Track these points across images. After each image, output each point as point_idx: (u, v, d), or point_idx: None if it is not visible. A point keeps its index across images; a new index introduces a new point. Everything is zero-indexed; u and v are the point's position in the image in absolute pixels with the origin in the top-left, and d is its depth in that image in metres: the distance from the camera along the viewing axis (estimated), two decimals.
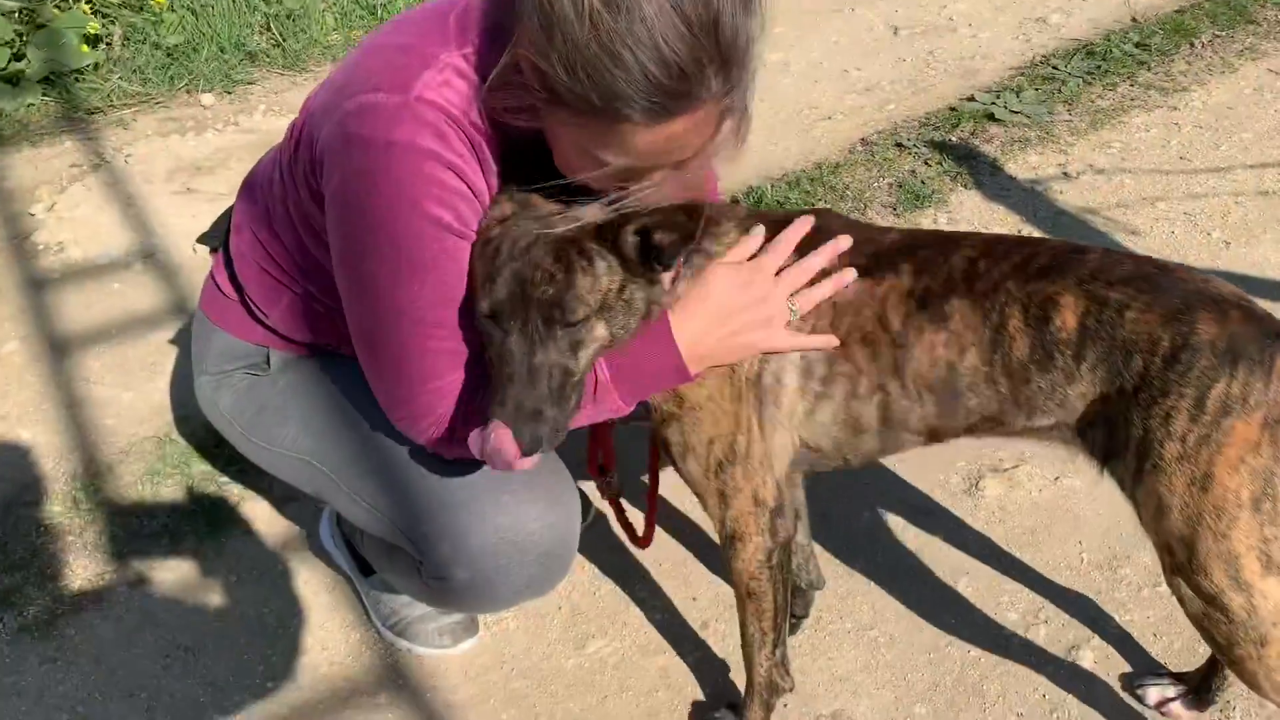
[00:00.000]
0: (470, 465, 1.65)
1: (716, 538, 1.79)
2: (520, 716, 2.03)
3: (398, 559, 1.83)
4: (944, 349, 1.63)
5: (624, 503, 2.12)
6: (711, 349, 1.61)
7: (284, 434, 1.84)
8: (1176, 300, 1.53)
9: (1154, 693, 2.02)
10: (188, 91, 4.43)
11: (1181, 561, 1.56)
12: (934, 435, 1.74)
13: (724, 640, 2.17)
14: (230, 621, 2.22)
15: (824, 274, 1.65)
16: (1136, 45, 4.67)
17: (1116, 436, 1.58)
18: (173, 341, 3.03)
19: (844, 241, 1.66)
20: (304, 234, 1.69)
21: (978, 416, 1.68)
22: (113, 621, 2.22)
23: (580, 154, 1.39)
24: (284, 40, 4.73)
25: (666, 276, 1.58)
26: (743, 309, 1.60)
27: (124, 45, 4.48)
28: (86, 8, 4.42)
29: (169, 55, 4.50)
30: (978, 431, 1.72)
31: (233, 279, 1.87)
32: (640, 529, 2.10)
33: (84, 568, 2.33)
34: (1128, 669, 2.09)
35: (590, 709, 2.05)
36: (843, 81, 4.60)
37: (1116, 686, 2.06)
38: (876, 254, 1.67)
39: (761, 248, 1.65)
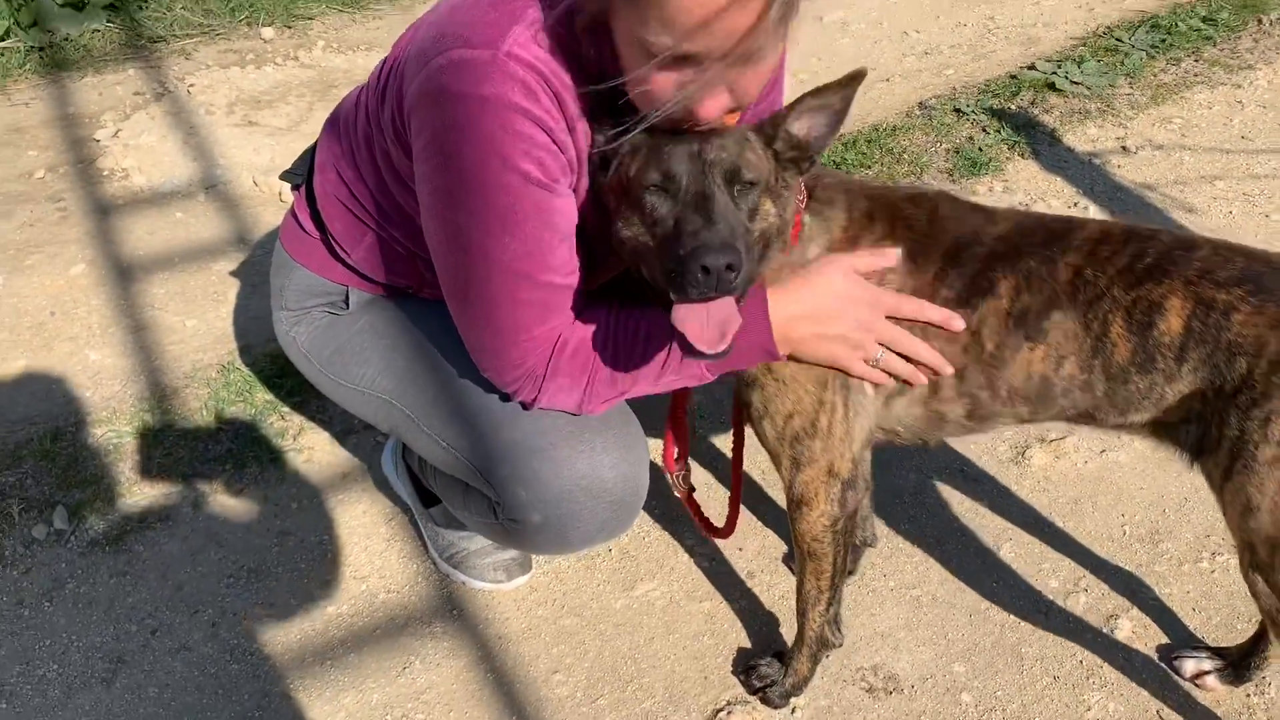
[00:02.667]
0: (549, 413, 1.70)
1: (772, 491, 1.83)
2: (569, 652, 2.10)
3: (473, 499, 1.88)
4: (1040, 364, 1.64)
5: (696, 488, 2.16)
6: (801, 339, 1.64)
7: (363, 373, 1.90)
8: None
9: (1190, 665, 2.06)
10: (248, 24, 4.47)
11: (1264, 560, 1.58)
12: (1024, 423, 1.76)
13: (769, 590, 2.22)
14: (291, 546, 2.30)
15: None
16: (1203, 20, 4.60)
17: (1210, 434, 1.58)
18: (234, 273, 3.09)
19: (958, 323, 1.65)
20: (388, 177, 1.72)
21: (1071, 413, 1.70)
22: (179, 540, 2.30)
23: (638, 49, 1.39)
24: None
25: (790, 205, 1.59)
26: (843, 323, 1.63)
27: None
28: None
29: None
30: (1066, 421, 1.74)
31: (314, 217, 1.91)
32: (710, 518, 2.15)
33: (151, 487, 2.41)
34: (1165, 641, 2.13)
35: (637, 648, 2.11)
36: (902, 43, 4.57)
37: (1154, 656, 2.10)
38: (977, 269, 1.65)
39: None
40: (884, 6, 4.89)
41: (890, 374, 1.69)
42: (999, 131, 3.81)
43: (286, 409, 2.60)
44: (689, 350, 1.43)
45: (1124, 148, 3.78)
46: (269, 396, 2.62)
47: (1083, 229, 1.67)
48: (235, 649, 2.09)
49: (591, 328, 1.62)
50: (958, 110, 3.94)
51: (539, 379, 1.62)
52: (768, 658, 2.04)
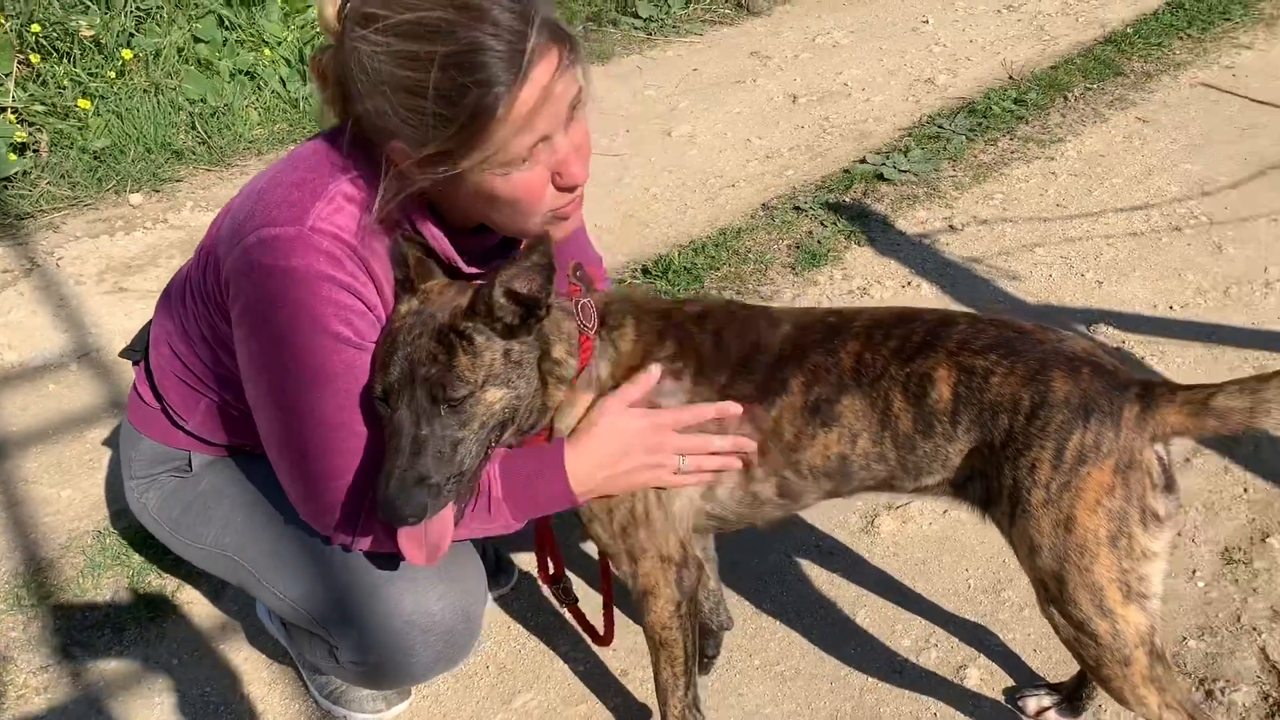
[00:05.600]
0: (376, 555, 1.81)
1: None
2: None
3: (317, 645, 1.98)
4: (837, 445, 1.81)
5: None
6: (600, 484, 1.78)
7: (207, 532, 2.00)
8: (1034, 362, 1.71)
9: (1032, 703, 2.21)
10: (116, 192, 4.58)
11: (1054, 594, 1.75)
12: (832, 496, 1.92)
13: (642, 685, 2.32)
14: (174, 702, 2.33)
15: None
16: (1015, 101, 5.02)
17: (992, 487, 1.76)
18: (108, 440, 3.15)
19: (734, 409, 1.80)
20: (217, 348, 1.85)
21: (871, 484, 1.87)
22: (59, 713, 2.31)
23: (503, 167, 1.55)
24: (209, 138, 4.91)
25: (560, 339, 1.74)
26: (634, 457, 1.77)
27: (51, 151, 4.63)
28: (13, 117, 4.57)
29: (96, 158, 4.65)
30: (871, 491, 1.91)
31: (154, 389, 2.03)
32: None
33: (28, 661, 2.42)
34: (1010, 683, 2.28)
35: None
36: (745, 150, 4.88)
37: (1001, 699, 2.25)
38: (767, 372, 1.81)
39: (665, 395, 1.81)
40: (727, 119, 5.22)
41: (706, 469, 1.84)
42: (835, 224, 4.09)
43: (163, 568, 2.65)
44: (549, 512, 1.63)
45: (951, 226, 4.08)
46: (143, 559, 2.67)
47: (856, 319, 1.85)
48: None
49: None
50: (797, 208, 4.22)
51: (353, 527, 1.73)
52: None
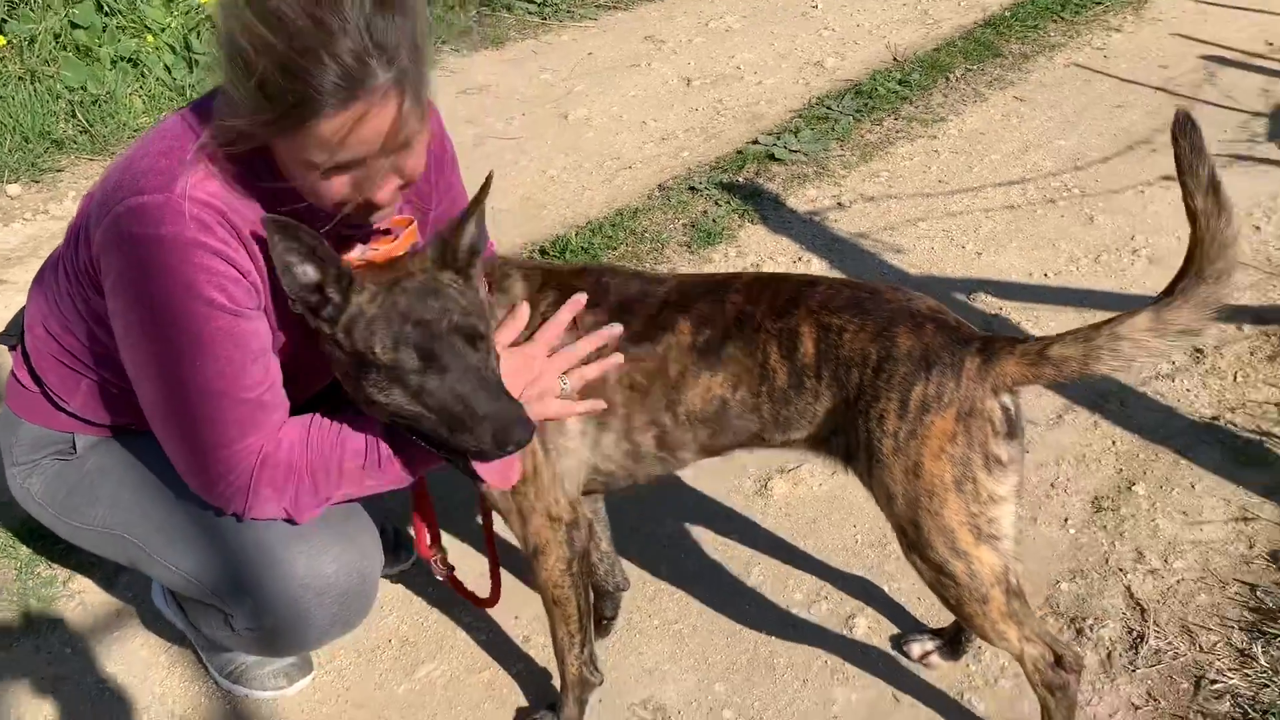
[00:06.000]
0: (265, 522, 1.81)
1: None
2: None
3: (212, 615, 1.98)
4: (720, 388, 1.88)
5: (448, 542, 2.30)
6: None
7: (94, 513, 1.98)
8: (882, 319, 1.81)
9: (916, 648, 2.32)
10: None
11: (913, 539, 1.85)
12: (707, 453, 2.00)
13: (543, 650, 2.37)
14: (67, 690, 2.29)
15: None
16: (899, 83, 5.18)
17: (851, 441, 1.86)
18: None
19: (616, 329, 1.87)
20: (93, 325, 1.84)
21: (744, 437, 1.94)
22: None
23: (304, 167, 1.57)
24: (91, 126, 4.77)
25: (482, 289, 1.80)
26: (518, 394, 1.81)
27: None
28: None
29: None
30: (740, 447, 1.99)
31: (32, 373, 1.99)
32: (477, 590, 2.27)
33: None
34: (896, 630, 2.39)
35: None
36: (641, 132, 4.94)
37: (887, 647, 2.36)
38: (654, 313, 1.89)
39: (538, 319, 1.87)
40: (623, 101, 5.27)
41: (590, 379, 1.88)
42: (729, 203, 4.18)
43: (51, 558, 2.60)
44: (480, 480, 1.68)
45: (839, 204, 4.21)
46: (32, 550, 2.62)
47: (739, 278, 1.94)
48: None
49: (293, 440, 1.75)
50: (692, 188, 4.30)
51: (244, 492, 1.74)
52: (541, 710, 2.18)
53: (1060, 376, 1.76)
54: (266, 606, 1.82)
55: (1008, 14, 6.01)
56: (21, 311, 2.06)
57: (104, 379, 1.90)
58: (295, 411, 1.81)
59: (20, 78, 4.79)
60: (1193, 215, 1.67)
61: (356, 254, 1.75)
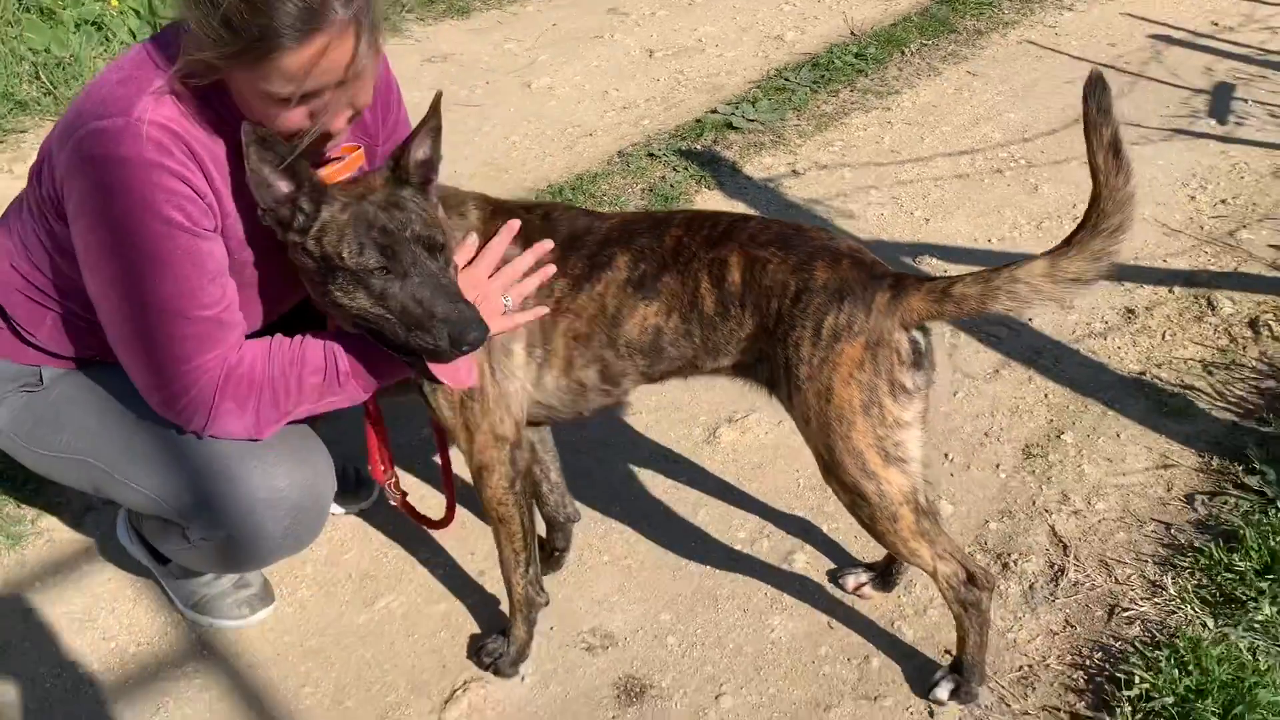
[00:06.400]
0: (223, 441, 1.91)
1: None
2: (316, 668, 2.29)
3: (171, 532, 2.07)
4: (654, 318, 1.99)
5: (404, 477, 2.40)
6: None
7: (59, 439, 2.06)
8: (803, 254, 1.93)
9: (851, 580, 2.45)
10: None
11: (828, 462, 1.97)
12: (647, 380, 2.11)
13: (497, 585, 2.47)
14: (35, 621, 2.38)
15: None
16: (855, 56, 5.29)
17: (774, 368, 1.98)
18: None
19: (547, 244, 1.99)
20: (58, 257, 1.92)
21: (679, 363, 2.06)
22: None
23: (263, 99, 1.68)
24: (55, 88, 4.79)
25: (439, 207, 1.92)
26: None
27: None
28: None
29: None
30: (675, 375, 2.10)
31: None
32: (429, 514, 2.38)
33: None
34: (832, 566, 2.52)
35: (380, 654, 2.32)
36: (603, 101, 5.03)
37: (824, 581, 2.49)
38: (596, 248, 2.01)
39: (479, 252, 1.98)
40: (586, 71, 5.35)
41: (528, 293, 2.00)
42: (687, 169, 4.28)
43: (20, 499, 2.67)
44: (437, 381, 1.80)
45: (794, 171, 4.32)
46: (1, 491, 2.69)
47: (680, 214, 2.07)
48: None
49: (253, 357, 1.86)
50: (651, 154, 4.40)
51: (205, 408, 1.83)
52: (493, 635, 2.30)
53: (961, 313, 1.88)
54: (222, 518, 1.92)
55: None
56: None
57: (69, 310, 1.98)
58: (258, 335, 1.90)
59: None
60: (1094, 171, 1.79)
61: None
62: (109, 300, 1.79)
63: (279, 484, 1.93)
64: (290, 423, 1.96)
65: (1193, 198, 4.11)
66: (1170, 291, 3.53)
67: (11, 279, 2.00)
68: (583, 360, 2.04)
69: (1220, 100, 4.91)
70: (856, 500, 1.98)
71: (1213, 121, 4.72)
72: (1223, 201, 4.08)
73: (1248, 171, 4.29)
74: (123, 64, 1.77)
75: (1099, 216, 1.80)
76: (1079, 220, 1.84)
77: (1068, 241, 1.84)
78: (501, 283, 1.95)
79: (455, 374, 1.82)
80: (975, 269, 3.67)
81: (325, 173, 1.86)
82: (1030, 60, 5.40)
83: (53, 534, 2.60)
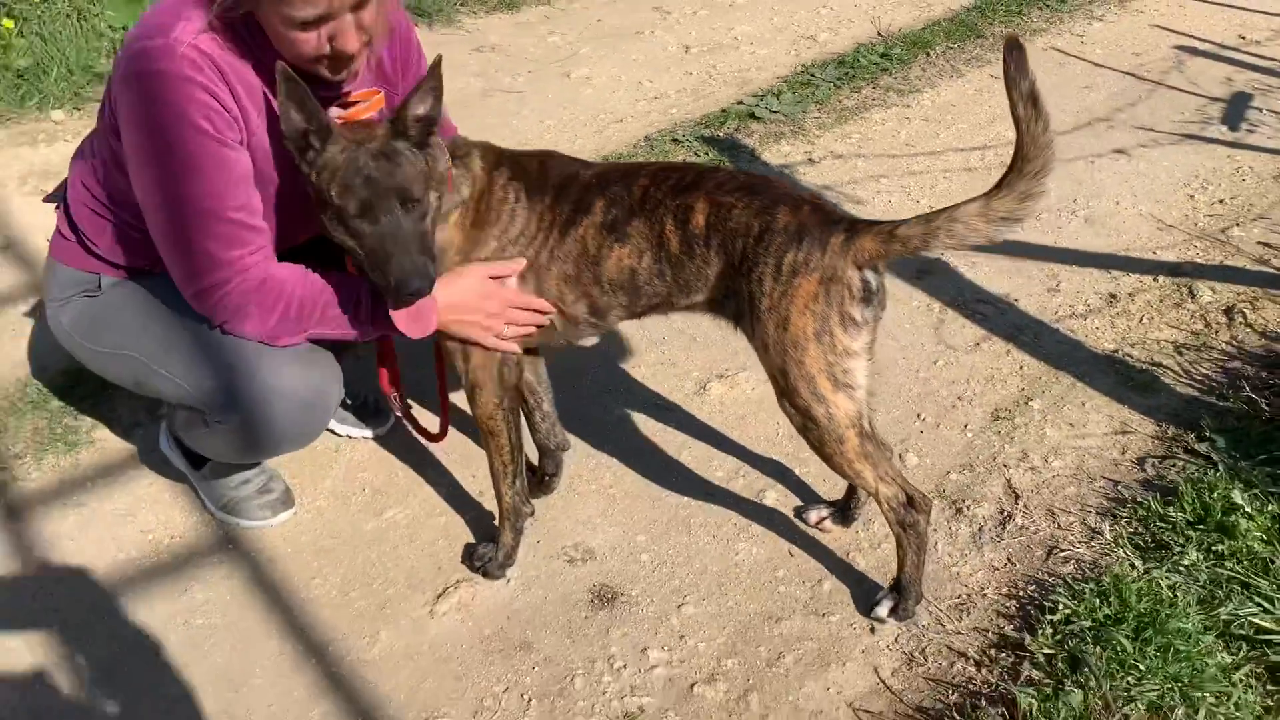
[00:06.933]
0: (248, 341, 2.20)
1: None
2: (326, 564, 2.57)
3: (194, 420, 2.39)
4: (628, 259, 2.25)
5: (415, 409, 2.68)
6: (442, 323, 2.22)
7: (110, 336, 2.38)
8: (767, 200, 2.17)
9: (813, 515, 2.68)
10: (39, 109, 4.84)
11: (782, 386, 2.21)
12: (631, 315, 2.36)
13: (493, 504, 2.74)
14: (87, 514, 2.69)
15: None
16: (881, 56, 5.50)
17: (739, 302, 2.22)
18: (29, 314, 3.47)
19: (549, 307, 2.30)
20: (115, 171, 2.23)
21: (657, 300, 2.31)
22: None
23: (287, 23, 1.96)
24: None
25: (442, 158, 2.15)
26: (475, 314, 2.22)
27: None
28: None
29: (19, 76, 4.90)
30: (657, 310, 2.34)
31: (71, 223, 2.40)
32: (433, 428, 2.65)
33: None
34: (799, 503, 2.75)
35: (384, 555, 2.60)
36: (636, 91, 5.29)
37: (789, 514, 2.72)
38: (578, 195, 2.26)
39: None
40: (623, 64, 5.62)
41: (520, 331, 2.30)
42: (707, 154, 4.53)
43: (79, 412, 3.00)
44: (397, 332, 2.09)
45: (810, 159, 4.55)
46: (62, 403, 3.02)
47: (650, 166, 2.31)
48: (36, 591, 2.48)
49: (289, 275, 2.16)
50: (675, 140, 4.66)
51: (232, 304, 2.13)
52: (484, 542, 2.56)
53: (908, 251, 2.10)
54: (236, 403, 2.22)
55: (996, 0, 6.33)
56: (64, 181, 2.46)
57: (123, 220, 2.29)
58: (285, 260, 2.20)
59: (68, 15, 5.20)
60: (1016, 121, 1.99)
61: (333, 113, 2.13)
62: (152, 200, 2.09)
63: (290, 381, 2.22)
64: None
65: (1192, 197, 4.27)
66: (1155, 280, 3.70)
67: (82, 195, 2.32)
68: (572, 296, 2.30)
69: (1235, 108, 5.04)
70: (807, 423, 2.20)
71: (1224, 128, 4.86)
72: (1220, 201, 4.23)
73: (1250, 175, 4.43)
74: None
75: (1023, 160, 2.00)
76: (1007, 166, 2.03)
77: (998, 185, 2.04)
78: (513, 318, 2.25)
79: (411, 324, 2.10)
80: (969, 254, 3.88)
81: (347, 112, 2.14)
82: (1053, 66, 5.57)
83: (104, 443, 2.92)
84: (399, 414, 2.56)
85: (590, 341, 2.46)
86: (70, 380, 3.09)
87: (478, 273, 2.22)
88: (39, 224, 3.94)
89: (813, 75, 5.31)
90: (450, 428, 2.80)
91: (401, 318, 2.11)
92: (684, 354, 3.31)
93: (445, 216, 2.21)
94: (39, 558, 2.56)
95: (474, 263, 2.25)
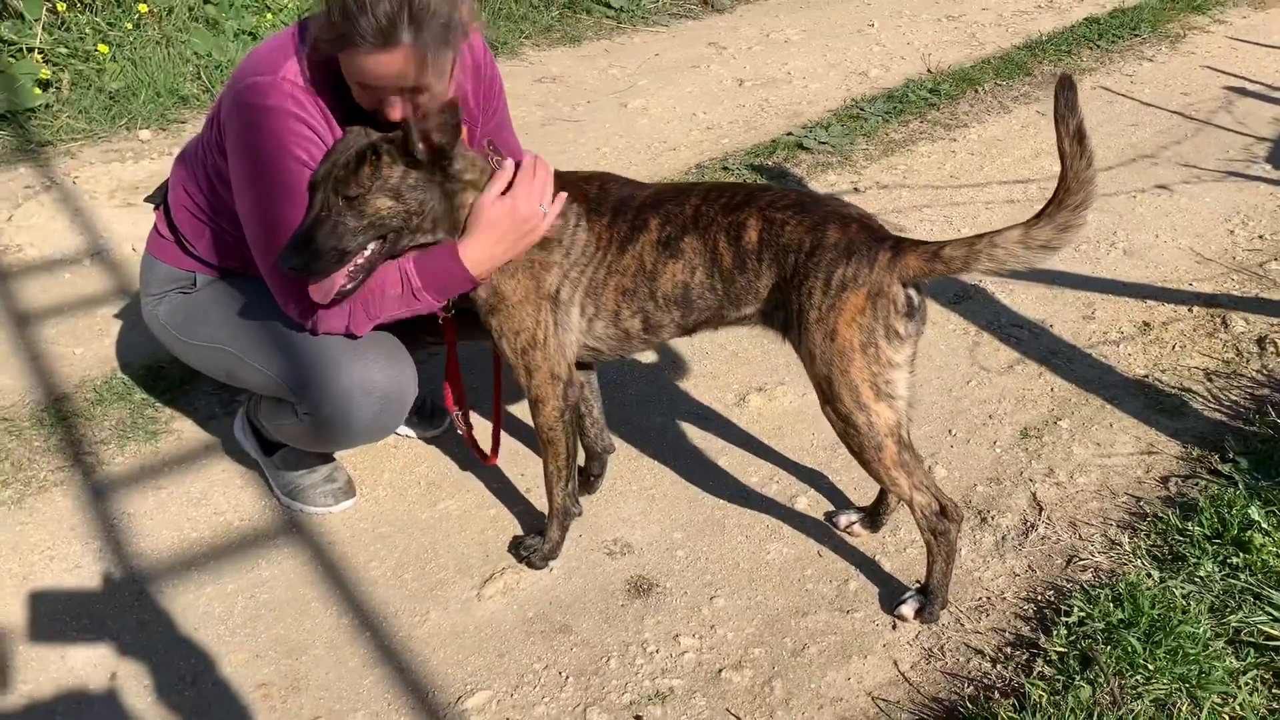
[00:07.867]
0: (334, 338, 2.41)
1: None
2: (383, 549, 2.75)
3: (282, 410, 2.58)
4: (682, 274, 2.41)
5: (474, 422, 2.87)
6: (497, 258, 2.36)
7: (204, 330, 2.59)
8: (817, 217, 2.31)
9: (843, 519, 2.81)
10: (127, 128, 5.17)
11: (827, 394, 2.34)
12: (682, 331, 2.52)
13: (541, 501, 2.90)
14: (165, 496, 2.91)
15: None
16: (930, 91, 5.65)
17: (788, 314, 2.35)
18: (117, 315, 3.73)
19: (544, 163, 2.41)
20: (218, 184, 2.46)
21: (708, 314, 2.46)
22: (70, 499, 2.89)
23: (348, 76, 2.18)
24: (213, 87, 5.49)
25: (464, 168, 2.29)
26: (512, 234, 2.35)
27: (71, 89, 5.21)
28: (39, 57, 5.15)
29: (111, 98, 5.24)
30: (707, 325, 2.49)
31: (170, 224, 2.63)
32: (484, 442, 2.83)
33: (48, 463, 3.00)
34: (830, 508, 2.88)
35: (436, 542, 2.78)
36: (690, 122, 5.50)
37: (820, 518, 2.85)
38: (634, 215, 2.40)
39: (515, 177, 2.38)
40: (679, 96, 5.84)
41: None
42: (757, 181, 4.70)
43: (160, 403, 3.23)
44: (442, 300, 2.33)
45: (855, 188, 4.70)
46: (145, 396, 3.26)
47: (701, 185, 2.47)
48: (118, 564, 2.69)
49: None
50: (725, 167, 4.84)
51: (315, 309, 2.32)
52: (532, 534, 2.73)
53: (950, 271, 2.22)
54: (326, 396, 2.41)
55: (1045, 39, 6.45)
56: (165, 183, 2.70)
57: (221, 228, 2.51)
58: None
59: (157, 42, 5.55)
60: (1062, 155, 2.10)
61: None
62: (251, 218, 2.32)
63: (374, 376, 2.42)
64: (388, 333, 2.49)
65: (1231, 232, 4.34)
66: (1189, 310, 3.78)
67: (184, 200, 2.56)
68: (628, 311, 2.45)
69: None
70: (849, 429, 2.33)
71: (1268, 166, 4.93)
72: (1260, 237, 4.30)
73: None
74: (275, 39, 2.31)
75: (1065, 193, 2.11)
76: (1050, 197, 2.15)
77: (1039, 214, 2.16)
78: (537, 197, 2.33)
79: (440, 292, 2.34)
80: (1007, 281, 4.00)
81: None
82: (1101, 104, 5.68)
83: (182, 433, 3.14)
84: (460, 431, 2.74)
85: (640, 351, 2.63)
86: (152, 375, 3.33)
87: (486, 205, 2.30)
88: (127, 233, 4.23)
89: (862, 109, 5.47)
90: (501, 434, 2.99)
91: (431, 285, 2.30)
92: (725, 368, 3.46)
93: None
94: (121, 535, 2.78)
95: (479, 200, 2.32)
